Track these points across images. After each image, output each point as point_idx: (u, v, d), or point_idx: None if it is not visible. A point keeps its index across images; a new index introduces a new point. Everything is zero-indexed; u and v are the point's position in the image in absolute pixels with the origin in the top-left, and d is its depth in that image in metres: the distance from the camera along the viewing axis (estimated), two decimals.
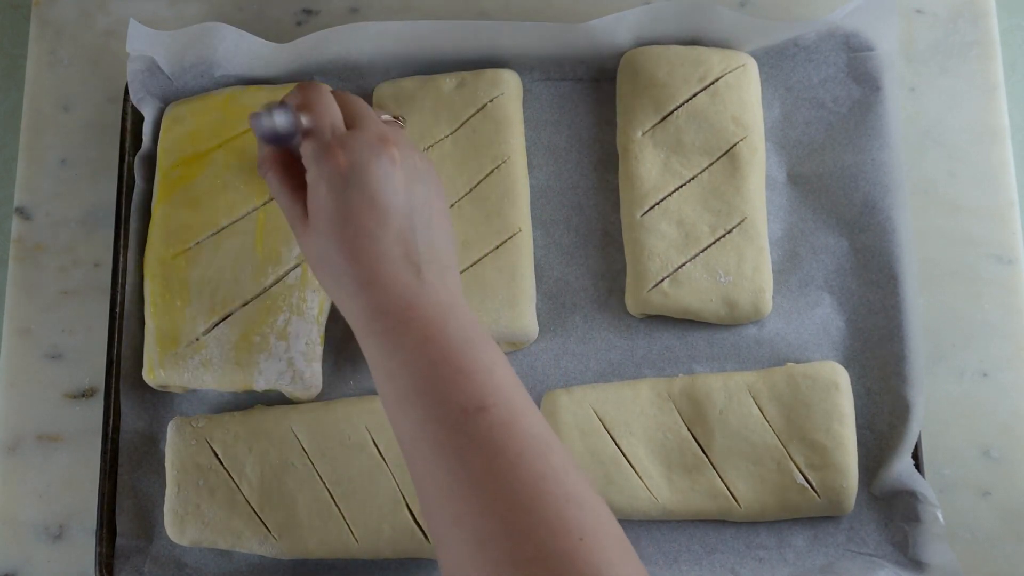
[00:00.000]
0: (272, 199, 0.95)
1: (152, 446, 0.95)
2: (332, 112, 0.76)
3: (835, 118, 0.98)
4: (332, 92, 0.79)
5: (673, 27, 0.98)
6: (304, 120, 0.75)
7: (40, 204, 1.04)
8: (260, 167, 0.80)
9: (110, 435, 0.94)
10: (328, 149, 0.73)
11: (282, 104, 0.76)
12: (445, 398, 0.68)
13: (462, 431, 0.66)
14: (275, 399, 0.95)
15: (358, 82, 1.02)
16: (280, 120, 0.74)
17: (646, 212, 0.95)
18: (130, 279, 0.97)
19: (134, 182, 0.99)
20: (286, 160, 0.79)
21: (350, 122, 0.77)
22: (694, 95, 0.96)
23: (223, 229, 0.95)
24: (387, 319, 0.71)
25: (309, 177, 0.74)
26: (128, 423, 0.95)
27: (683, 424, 0.90)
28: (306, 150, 0.75)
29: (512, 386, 0.70)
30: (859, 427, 0.92)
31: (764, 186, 0.96)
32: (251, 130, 0.77)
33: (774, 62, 1.00)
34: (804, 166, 0.98)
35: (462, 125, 0.97)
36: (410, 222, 0.74)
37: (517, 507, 0.64)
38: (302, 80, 1.00)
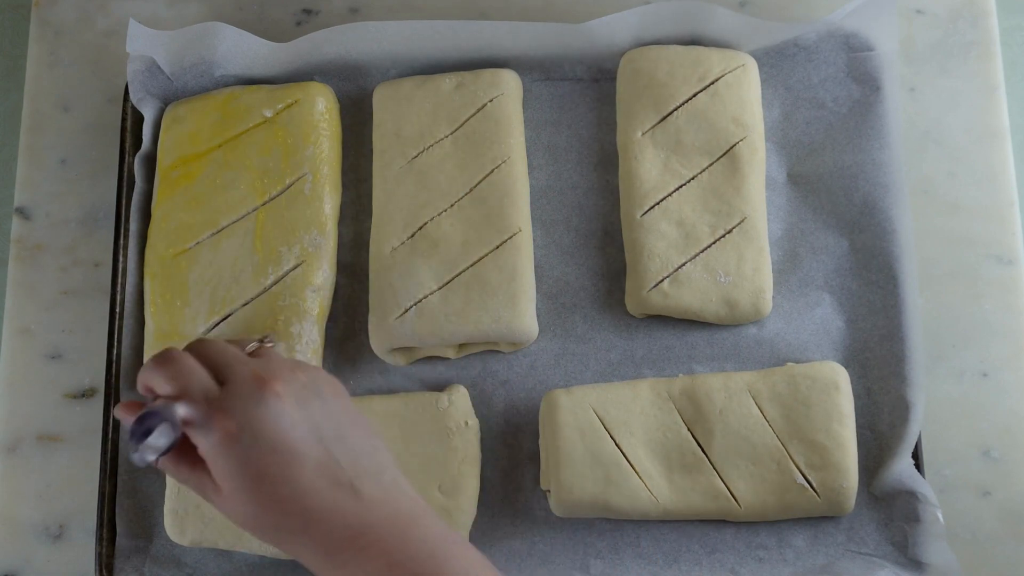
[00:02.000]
0: (273, 199, 0.95)
1: None
2: (197, 377, 0.70)
3: (835, 118, 0.98)
4: (188, 349, 0.73)
5: (673, 27, 0.98)
6: (181, 411, 0.69)
7: (40, 204, 1.04)
8: (150, 461, 0.71)
9: (110, 435, 0.94)
10: (209, 419, 0.68)
11: (148, 415, 0.68)
12: None
13: None
14: None
15: (358, 82, 1.02)
16: (162, 442, 0.68)
17: (646, 212, 0.95)
18: (130, 279, 0.97)
19: (134, 182, 0.99)
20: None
21: (218, 375, 0.71)
22: (694, 95, 0.96)
23: (223, 229, 0.95)
24: (341, 554, 0.67)
25: (202, 449, 0.69)
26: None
27: (683, 424, 0.90)
28: (190, 419, 0.69)
29: None
30: (859, 427, 0.92)
31: (764, 186, 0.96)
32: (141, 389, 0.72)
33: (774, 62, 1.00)
34: (804, 166, 0.98)
35: (462, 125, 0.97)
36: (322, 446, 0.69)
37: None
38: (300, 82, 1.00)
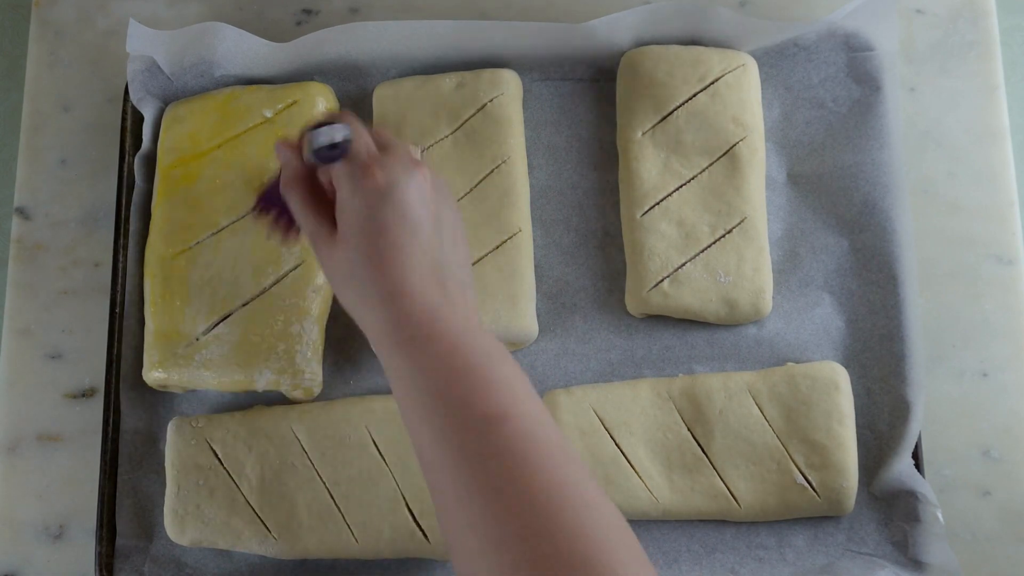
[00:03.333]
0: None
1: (152, 446, 0.95)
2: (366, 136, 0.79)
3: (835, 118, 0.98)
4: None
5: (673, 27, 0.98)
6: (355, 135, 0.78)
7: (40, 204, 1.04)
8: (284, 186, 0.81)
9: (110, 435, 0.94)
10: (366, 168, 0.76)
11: (333, 122, 0.78)
12: (468, 406, 0.69)
13: (484, 439, 0.67)
14: (275, 399, 0.95)
15: (358, 82, 1.02)
16: (340, 133, 0.76)
17: (646, 212, 0.95)
18: (130, 279, 0.97)
19: (134, 182, 0.99)
20: (308, 179, 0.80)
21: (380, 147, 0.79)
22: (694, 95, 0.96)
23: (223, 229, 0.95)
24: (413, 329, 0.72)
25: (343, 194, 0.76)
26: (128, 423, 0.95)
27: (683, 424, 0.90)
28: (342, 168, 0.77)
29: (532, 399, 0.71)
30: (859, 427, 0.92)
31: (764, 186, 0.96)
32: (303, 142, 0.79)
33: (774, 62, 1.00)
34: (804, 166, 0.98)
35: (462, 125, 0.97)
36: (438, 239, 0.76)
37: (537, 511, 0.64)
38: (300, 82, 1.00)
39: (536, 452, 0.67)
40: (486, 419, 0.68)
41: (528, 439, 0.67)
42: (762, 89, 0.99)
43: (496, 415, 0.68)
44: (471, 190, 0.96)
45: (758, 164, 0.96)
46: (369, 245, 0.74)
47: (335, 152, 0.77)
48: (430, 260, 0.75)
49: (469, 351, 0.71)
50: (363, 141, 0.78)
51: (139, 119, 1.01)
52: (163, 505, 0.91)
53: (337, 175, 0.77)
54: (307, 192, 0.80)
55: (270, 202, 0.85)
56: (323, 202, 0.79)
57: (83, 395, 1.00)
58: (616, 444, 0.89)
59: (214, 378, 0.92)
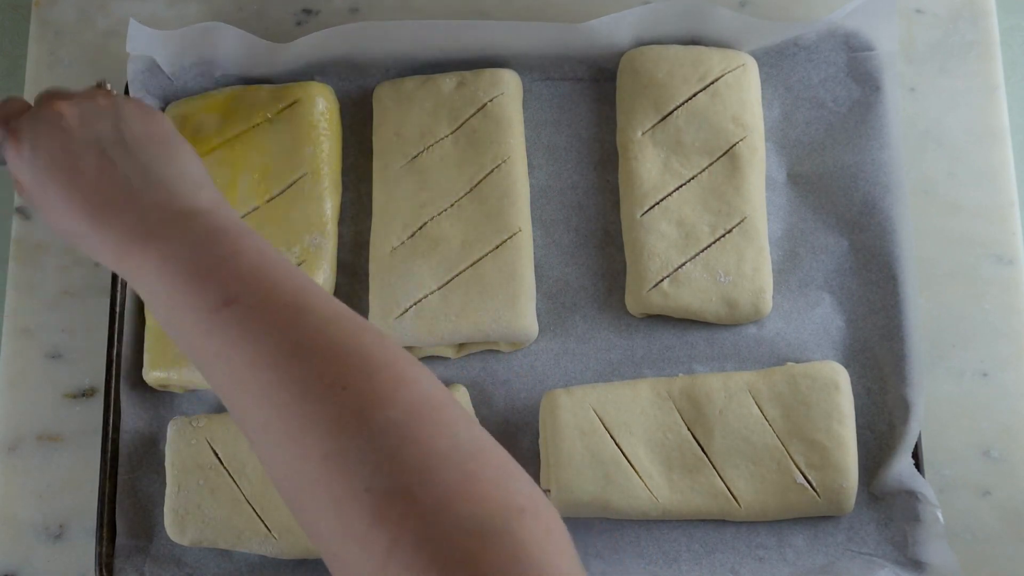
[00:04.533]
0: (273, 199, 0.95)
1: (152, 446, 0.95)
2: (12, 107, 0.80)
3: (835, 118, 0.98)
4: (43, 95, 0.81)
5: (673, 27, 0.98)
6: None
7: None
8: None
9: (110, 435, 0.94)
10: (4, 138, 0.78)
11: None
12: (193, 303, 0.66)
13: (215, 330, 0.65)
14: None
15: (358, 82, 1.02)
16: None
17: (646, 212, 0.95)
18: None
19: None
20: None
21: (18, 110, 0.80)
22: (694, 95, 0.96)
23: None
24: (126, 249, 0.71)
25: (9, 167, 0.79)
26: (128, 423, 0.95)
27: (683, 424, 0.90)
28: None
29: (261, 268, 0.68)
30: (859, 427, 0.92)
31: (764, 186, 0.96)
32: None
33: (774, 62, 1.00)
34: (804, 166, 0.98)
35: (462, 125, 0.97)
36: (105, 157, 0.75)
37: (301, 357, 0.62)
38: (300, 82, 1.00)
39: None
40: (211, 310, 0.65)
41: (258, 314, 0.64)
42: (762, 89, 0.99)
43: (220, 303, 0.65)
44: (471, 190, 0.96)
45: (758, 164, 0.96)
46: (44, 202, 0.75)
47: None
48: (108, 182, 0.73)
49: (188, 245, 0.69)
50: (4, 112, 0.79)
51: None
52: (163, 505, 0.91)
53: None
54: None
55: None
56: None
57: (83, 395, 1.00)
58: (616, 444, 0.89)
59: None
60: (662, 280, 0.93)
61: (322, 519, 0.59)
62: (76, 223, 0.73)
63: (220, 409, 0.95)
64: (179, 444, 0.91)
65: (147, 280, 0.69)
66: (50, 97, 0.78)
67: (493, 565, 0.54)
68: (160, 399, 0.96)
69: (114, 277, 0.97)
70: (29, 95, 1.06)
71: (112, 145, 0.75)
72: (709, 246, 0.93)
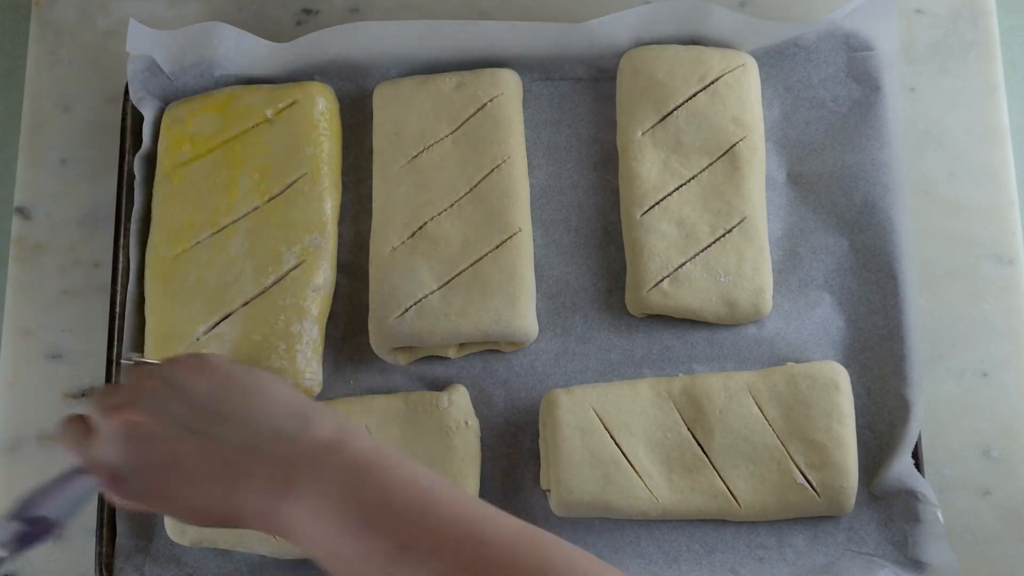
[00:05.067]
0: (273, 199, 0.95)
1: None
2: (89, 448, 0.72)
3: (835, 118, 0.98)
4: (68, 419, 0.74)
5: (673, 27, 0.98)
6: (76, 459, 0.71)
7: (40, 204, 1.04)
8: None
9: None
10: (98, 474, 0.70)
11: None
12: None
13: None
14: None
15: (358, 82, 1.02)
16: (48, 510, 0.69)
17: (646, 212, 0.95)
18: (130, 279, 0.97)
19: (134, 182, 0.99)
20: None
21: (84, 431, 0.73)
22: (694, 95, 0.96)
23: (223, 229, 0.95)
24: (266, 524, 0.67)
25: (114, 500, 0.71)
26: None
27: (683, 424, 0.90)
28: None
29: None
30: (859, 427, 0.92)
31: (764, 186, 0.96)
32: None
33: (774, 62, 1.00)
34: (804, 166, 0.98)
35: (462, 125, 0.97)
36: (195, 438, 0.69)
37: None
38: (300, 82, 1.00)
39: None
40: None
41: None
42: (762, 89, 0.99)
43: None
44: (471, 190, 0.96)
45: (758, 164, 0.96)
46: (164, 510, 0.71)
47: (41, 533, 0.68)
48: (213, 461, 0.68)
49: (350, 492, 0.66)
50: (87, 454, 0.71)
51: (139, 119, 1.01)
52: None
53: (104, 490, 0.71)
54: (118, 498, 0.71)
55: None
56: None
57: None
58: (616, 444, 0.89)
59: None
60: (662, 280, 0.93)
61: None
62: (213, 514, 0.68)
63: None
64: None
65: (306, 533, 0.66)
66: (107, 410, 0.71)
67: None
68: None
69: (114, 277, 0.97)
70: (29, 95, 1.07)
71: (197, 422, 0.70)
72: (709, 246, 0.93)
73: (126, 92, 1.00)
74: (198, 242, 0.95)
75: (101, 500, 0.93)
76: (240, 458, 0.68)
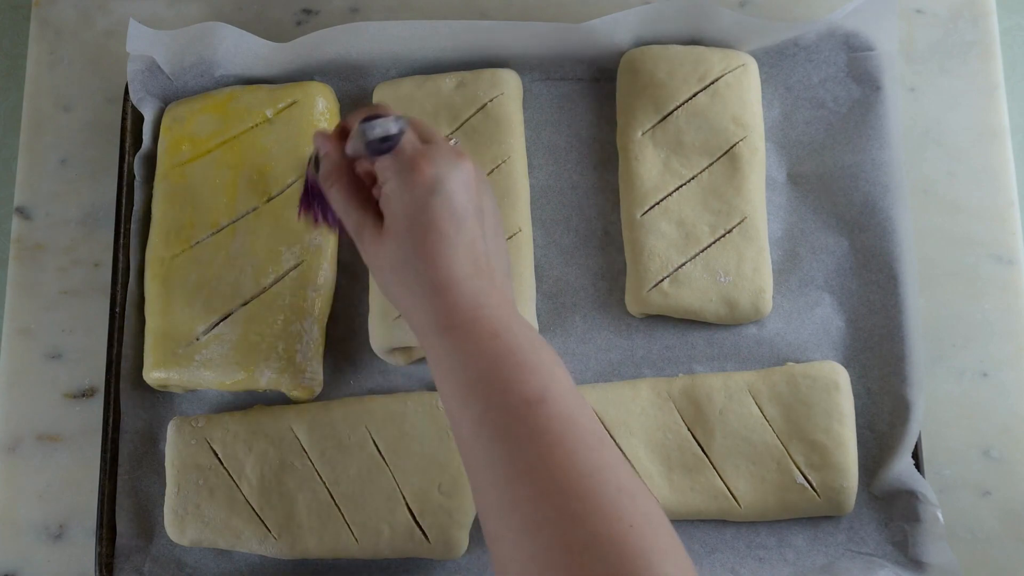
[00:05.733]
0: (273, 199, 0.95)
1: (152, 446, 0.95)
2: (411, 129, 0.79)
3: (835, 118, 0.98)
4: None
5: (673, 27, 0.98)
6: (405, 126, 0.78)
7: (40, 204, 1.04)
8: (325, 177, 0.81)
9: (110, 435, 0.94)
10: (413, 161, 0.76)
11: (383, 114, 0.78)
12: (508, 389, 0.70)
13: (523, 420, 0.68)
14: (275, 399, 0.95)
15: (358, 82, 1.02)
16: (395, 126, 0.76)
17: (646, 212, 0.95)
18: (130, 279, 0.97)
19: (134, 182, 0.99)
20: (349, 173, 0.81)
21: (423, 139, 0.80)
22: (694, 95, 0.96)
23: (223, 229, 0.95)
24: (459, 316, 0.73)
25: (391, 187, 0.76)
26: (128, 423, 0.95)
27: (683, 424, 0.90)
28: (389, 161, 0.77)
29: (569, 385, 0.72)
30: (859, 427, 0.92)
31: (764, 186, 0.96)
32: (352, 133, 0.78)
33: (774, 62, 1.00)
34: (804, 166, 0.98)
35: (462, 125, 0.97)
36: (480, 230, 0.77)
37: (571, 494, 0.65)
38: (300, 82, 1.00)
39: (572, 436, 0.68)
40: (525, 402, 0.69)
41: (565, 422, 0.69)
42: (762, 89, 0.99)
43: (534, 398, 0.69)
44: None
45: (758, 164, 0.96)
46: (419, 238, 0.75)
47: (385, 144, 0.76)
48: (474, 250, 0.76)
49: (511, 337, 0.72)
50: (410, 134, 0.78)
51: (139, 119, 1.01)
52: (163, 505, 0.91)
53: (383, 168, 0.77)
54: (347, 184, 0.80)
55: (308, 193, 0.85)
56: (364, 194, 0.80)
57: (83, 395, 1.00)
58: (616, 444, 0.89)
59: (214, 378, 0.92)
60: (662, 280, 0.93)
61: None
62: (430, 271, 0.74)
63: (220, 409, 0.95)
64: (179, 444, 0.91)
65: (460, 346, 0.73)
66: (453, 147, 0.78)
67: None
68: (160, 399, 0.96)
69: (114, 277, 0.97)
70: (29, 95, 1.07)
71: (487, 224, 0.78)
72: (709, 246, 0.93)
73: (126, 92, 1.00)
74: (198, 242, 0.95)
75: (101, 500, 0.93)
76: (475, 267, 0.75)
